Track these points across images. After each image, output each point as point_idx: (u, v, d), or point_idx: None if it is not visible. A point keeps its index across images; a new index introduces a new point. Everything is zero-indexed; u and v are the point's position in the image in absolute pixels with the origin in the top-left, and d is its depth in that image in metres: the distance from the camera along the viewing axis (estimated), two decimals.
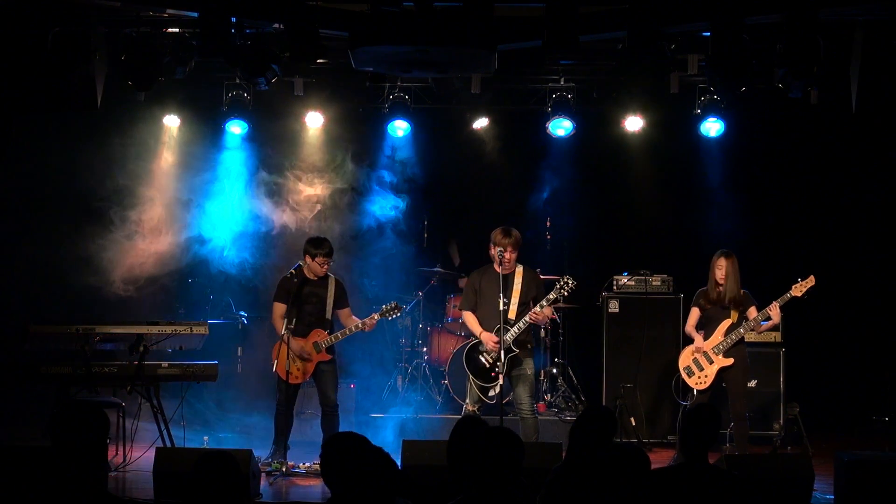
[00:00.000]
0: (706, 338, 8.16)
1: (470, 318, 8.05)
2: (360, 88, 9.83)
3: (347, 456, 4.12)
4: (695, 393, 8.22)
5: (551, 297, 7.85)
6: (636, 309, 9.82)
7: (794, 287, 7.97)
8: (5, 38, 7.50)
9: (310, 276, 8.19)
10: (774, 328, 9.34)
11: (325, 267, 8.16)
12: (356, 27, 7.08)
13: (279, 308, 8.21)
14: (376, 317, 8.24)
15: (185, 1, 7.52)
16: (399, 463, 6.94)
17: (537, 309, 7.80)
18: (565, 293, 7.90)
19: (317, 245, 8.16)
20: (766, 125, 10.24)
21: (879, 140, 9.83)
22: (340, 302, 8.31)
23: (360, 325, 8.20)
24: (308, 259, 8.14)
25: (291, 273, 8.13)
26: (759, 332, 8.71)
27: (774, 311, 7.95)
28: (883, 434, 9.47)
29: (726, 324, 8.10)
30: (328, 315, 8.26)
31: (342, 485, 4.10)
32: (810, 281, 7.95)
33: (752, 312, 8.07)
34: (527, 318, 7.79)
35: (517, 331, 7.82)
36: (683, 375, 8.24)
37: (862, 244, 10.49)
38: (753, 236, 10.22)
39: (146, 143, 9.93)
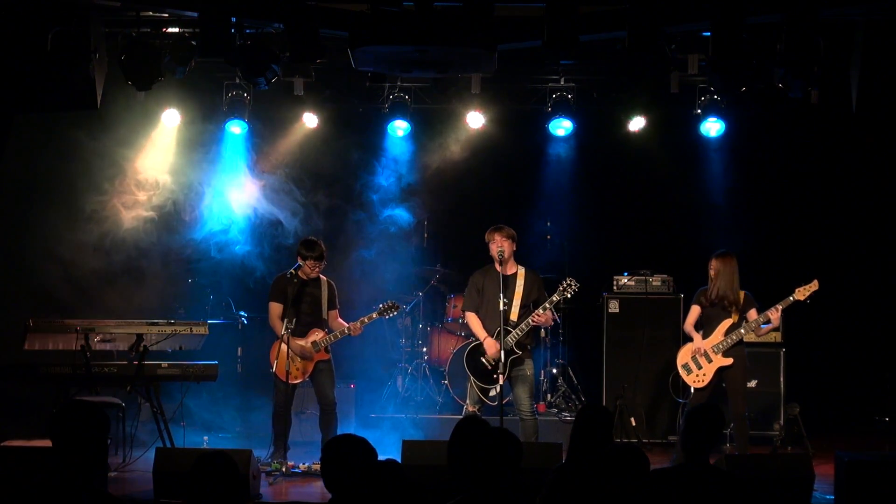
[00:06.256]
0: (706, 337, 8.14)
1: (473, 321, 7.99)
2: (360, 88, 9.83)
3: (348, 459, 4.14)
4: (692, 391, 8.22)
5: (555, 298, 7.78)
6: (636, 309, 9.82)
7: (797, 291, 7.94)
8: (5, 37, 7.49)
9: (303, 276, 8.20)
10: (774, 329, 9.37)
11: (317, 270, 8.18)
12: (356, 27, 7.08)
13: (276, 308, 8.22)
14: (366, 320, 8.25)
15: (185, 1, 7.53)
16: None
17: (540, 311, 7.75)
18: (568, 295, 7.86)
19: (309, 248, 8.17)
20: (766, 125, 10.24)
21: (879, 140, 9.83)
22: (332, 303, 8.34)
23: (345, 331, 8.21)
24: (300, 261, 8.17)
25: (292, 273, 8.15)
26: (760, 335, 8.71)
27: (775, 314, 7.94)
28: (883, 434, 9.48)
29: (726, 324, 8.09)
30: (324, 315, 8.27)
31: (343, 488, 4.12)
32: (814, 285, 7.91)
33: (753, 314, 8.06)
34: (530, 320, 7.75)
35: (519, 333, 7.77)
36: (681, 373, 8.23)
37: (862, 244, 10.48)
38: (753, 236, 10.22)
39: (146, 143, 9.93)
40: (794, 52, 7.13)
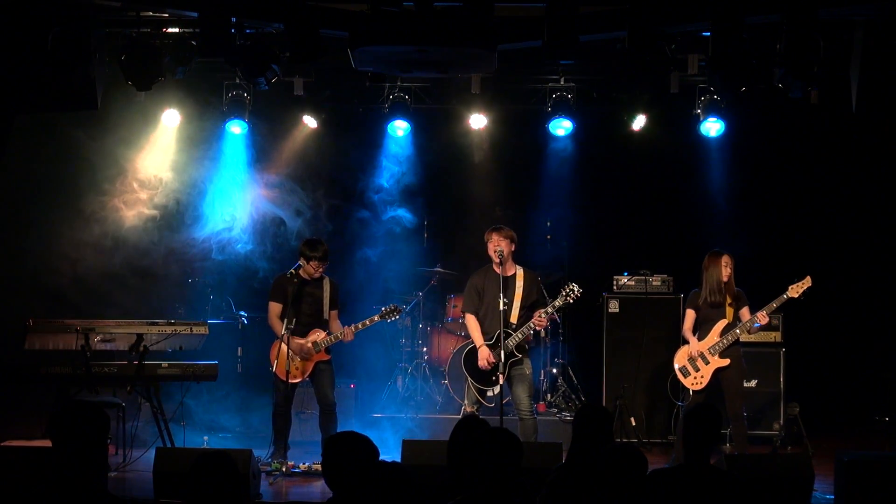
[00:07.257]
0: (701, 339, 8.14)
1: (472, 324, 7.95)
2: (360, 88, 9.83)
3: (350, 457, 4.14)
4: (691, 393, 8.22)
5: (557, 303, 7.80)
6: (636, 309, 9.81)
7: (790, 288, 7.96)
8: (5, 37, 7.50)
9: (306, 276, 8.19)
10: (773, 328, 9.39)
11: (321, 270, 8.17)
12: (356, 27, 7.08)
13: (275, 308, 8.22)
14: (360, 326, 8.26)
15: (185, 1, 7.53)
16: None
17: (543, 315, 7.76)
18: (570, 300, 7.84)
19: (312, 248, 8.15)
20: (766, 125, 10.24)
21: (879, 140, 9.83)
22: (333, 303, 8.33)
23: (337, 336, 8.20)
24: (303, 261, 8.16)
25: (291, 273, 8.14)
26: (752, 333, 8.71)
27: (762, 317, 7.95)
28: (883, 434, 9.48)
29: (722, 324, 8.09)
30: (325, 315, 8.27)
31: (344, 486, 4.12)
32: (807, 282, 7.93)
33: (746, 313, 8.08)
34: (531, 323, 7.75)
35: (520, 336, 7.77)
36: (679, 376, 8.22)
37: (862, 244, 10.49)
38: (753, 236, 10.22)
39: (146, 142, 9.93)
40: (794, 52, 7.12)
